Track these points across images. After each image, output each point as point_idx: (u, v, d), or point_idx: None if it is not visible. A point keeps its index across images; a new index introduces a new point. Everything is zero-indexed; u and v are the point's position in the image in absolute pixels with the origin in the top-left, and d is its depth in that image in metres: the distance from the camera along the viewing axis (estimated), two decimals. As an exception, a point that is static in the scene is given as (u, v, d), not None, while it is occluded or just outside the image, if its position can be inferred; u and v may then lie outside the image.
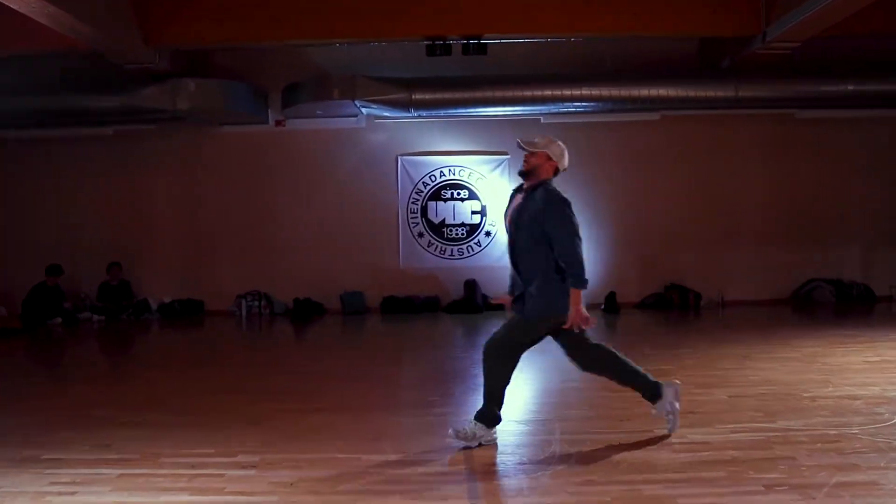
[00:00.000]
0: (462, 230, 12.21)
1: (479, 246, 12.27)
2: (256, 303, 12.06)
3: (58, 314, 11.44)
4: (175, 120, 11.68)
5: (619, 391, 5.86)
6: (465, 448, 4.42)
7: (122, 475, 4.03)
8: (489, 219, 12.21)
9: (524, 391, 6.11)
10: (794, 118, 12.06)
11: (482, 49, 9.99)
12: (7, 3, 7.80)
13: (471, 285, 11.92)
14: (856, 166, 12.26)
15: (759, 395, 5.68)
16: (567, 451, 4.36)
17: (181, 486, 3.84)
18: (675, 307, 11.98)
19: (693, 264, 12.30)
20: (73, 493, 3.76)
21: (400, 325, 10.87)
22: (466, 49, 9.95)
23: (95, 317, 11.74)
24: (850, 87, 11.07)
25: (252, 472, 4.06)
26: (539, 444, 4.56)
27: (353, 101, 10.87)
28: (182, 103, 10.90)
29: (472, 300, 11.76)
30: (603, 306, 11.77)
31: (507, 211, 4.69)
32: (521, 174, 4.67)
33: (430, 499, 3.67)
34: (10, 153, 12.18)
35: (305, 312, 11.88)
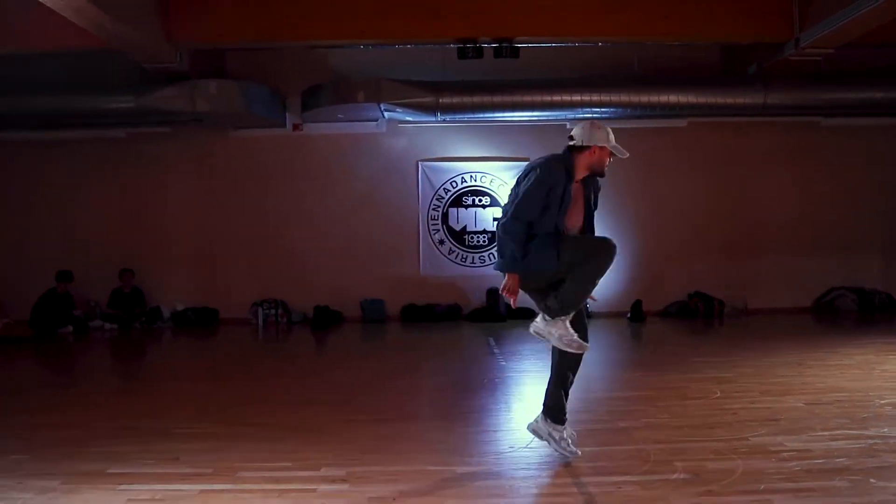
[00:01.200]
0: (484, 237, 12.01)
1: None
2: (273, 311, 11.77)
3: (68, 322, 11.12)
4: (191, 122, 11.43)
5: (695, 397, 5.75)
6: (561, 457, 4.19)
7: (203, 491, 3.75)
8: (511, 226, 12.00)
9: (594, 399, 5.87)
10: (819, 126, 12.00)
11: (514, 52, 9.82)
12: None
13: (493, 294, 11.70)
14: (880, 175, 12.22)
15: (835, 403, 5.50)
16: (666, 460, 4.14)
17: (274, 500, 3.57)
18: (700, 315, 11.84)
19: (716, 272, 12.18)
20: (157, 511, 3.49)
21: (423, 334, 10.65)
22: (499, 52, 9.77)
23: (107, 325, 11.42)
24: (879, 95, 11.01)
25: (345, 486, 3.80)
26: (636, 453, 4.32)
27: (379, 104, 10.66)
28: (202, 105, 10.64)
29: (495, 309, 11.54)
30: (629, 315, 11.60)
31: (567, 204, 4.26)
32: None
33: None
34: (17, 156, 11.84)
35: (324, 321, 11.60)
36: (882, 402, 5.49)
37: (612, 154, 4.35)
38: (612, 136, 4.34)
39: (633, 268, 11.96)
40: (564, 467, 4.12)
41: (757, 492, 3.59)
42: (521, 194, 4.14)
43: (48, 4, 7.77)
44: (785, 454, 4.20)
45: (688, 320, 11.65)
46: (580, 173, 4.30)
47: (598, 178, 4.43)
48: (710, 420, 5.05)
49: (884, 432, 4.62)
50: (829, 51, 10.03)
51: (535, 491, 3.82)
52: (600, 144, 4.28)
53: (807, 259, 12.25)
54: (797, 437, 4.53)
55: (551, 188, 4.12)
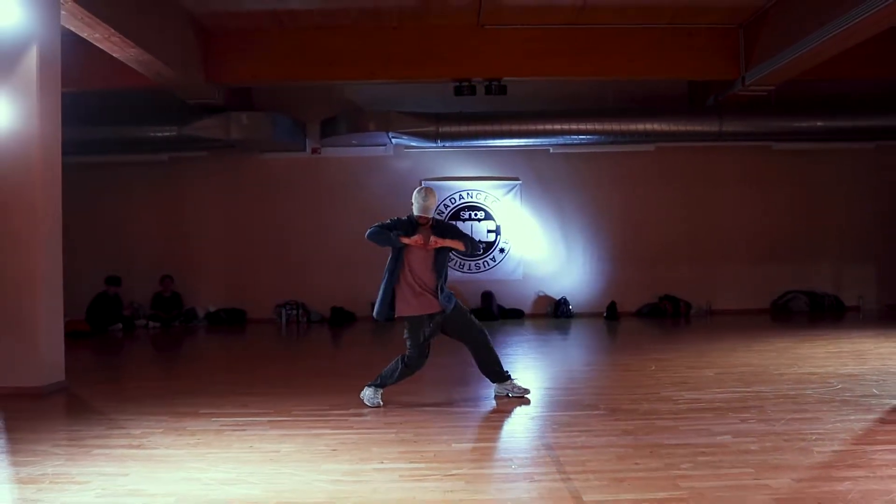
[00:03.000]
0: (479, 247, 13.66)
1: (494, 261, 13.79)
2: (294, 311, 13.49)
3: (118, 320, 12.84)
4: (225, 148, 13.20)
5: (634, 370, 7.44)
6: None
7: (271, 421, 5.45)
8: (503, 237, 13.75)
9: (559, 371, 7.58)
10: (771, 150, 13.77)
11: (502, 90, 11.55)
12: (110, 52, 9.32)
13: (487, 296, 13.42)
14: (827, 191, 13.96)
15: (739, 373, 7.18)
16: (594, 404, 5.83)
17: (321, 425, 5.28)
18: (669, 315, 13.51)
19: (684, 278, 13.87)
20: (244, 429, 5.19)
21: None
22: (489, 90, 11.51)
23: (151, 324, 13.14)
24: (820, 123, 12.76)
25: (368, 416, 5.52)
26: (574, 402, 6.03)
27: (387, 132, 12.43)
28: (235, 133, 12.44)
29: (489, 310, 13.24)
30: (605, 314, 13.30)
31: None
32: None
33: (509, 433, 5.14)
34: (76, 177, 13.35)
35: (340, 320, 13.33)
36: (775, 372, 7.17)
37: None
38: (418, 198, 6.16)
39: (609, 273, 13.72)
40: (525, 408, 5.82)
41: (648, 419, 5.28)
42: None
43: (118, 57, 9.54)
44: (680, 402, 5.89)
45: (658, 320, 13.29)
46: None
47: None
48: (637, 383, 6.75)
49: (760, 389, 6.30)
50: (770, 87, 11.73)
51: (497, 417, 5.50)
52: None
53: (764, 266, 13.95)
54: (694, 392, 6.22)
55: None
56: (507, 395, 6.13)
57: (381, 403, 5.88)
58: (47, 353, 6.87)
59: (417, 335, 5.95)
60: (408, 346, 6.02)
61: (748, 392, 6.20)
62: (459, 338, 6.14)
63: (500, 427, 5.28)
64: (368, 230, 6.09)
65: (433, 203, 6.17)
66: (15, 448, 4.78)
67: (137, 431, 5.16)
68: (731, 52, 11.62)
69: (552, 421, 5.32)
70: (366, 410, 5.74)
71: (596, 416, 5.44)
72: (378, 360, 8.92)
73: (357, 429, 5.17)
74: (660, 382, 6.76)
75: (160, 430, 5.18)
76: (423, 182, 13.67)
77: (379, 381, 5.99)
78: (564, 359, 9.11)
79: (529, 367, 8.38)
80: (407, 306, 5.97)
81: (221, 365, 9.01)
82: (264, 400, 6.21)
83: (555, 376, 7.64)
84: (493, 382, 6.23)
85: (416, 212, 6.11)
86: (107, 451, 4.65)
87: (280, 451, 4.59)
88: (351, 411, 5.74)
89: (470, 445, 4.75)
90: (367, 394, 5.95)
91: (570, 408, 5.77)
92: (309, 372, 8.05)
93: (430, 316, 5.97)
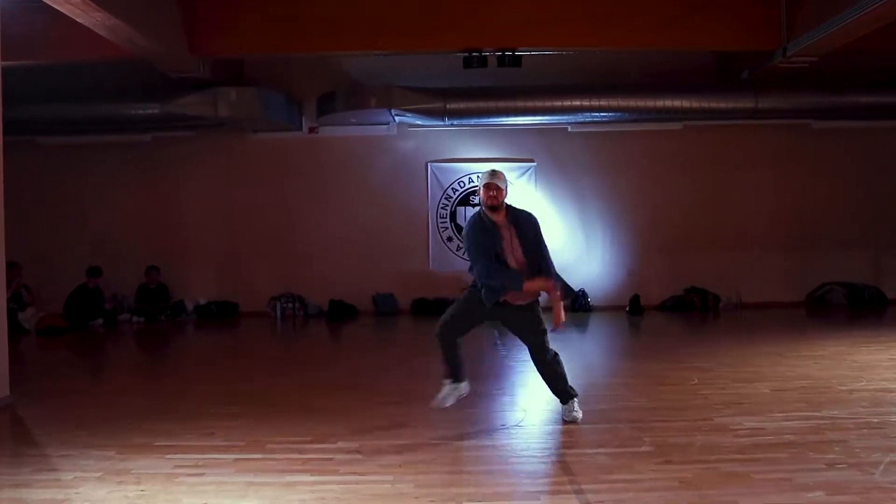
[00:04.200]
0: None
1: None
2: (290, 304, 12.45)
3: (99, 315, 11.83)
4: (213, 127, 12.11)
5: (673, 384, 6.38)
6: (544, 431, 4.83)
7: (238, 459, 4.42)
8: (516, 224, 12.63)
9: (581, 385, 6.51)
10: (809, 128, 12.55)
11: (517, 61, 10.40)
12: (72, 16, 8.22)
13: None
14: (869, 175, 12.74)
15: (799, 389, 6.11)
16: (636, 436, 4.76)
17: (298, 469, 4.23)
18: (696, 309, 12.41)
19: (712, 268, 12.72)
20: (201, 475, 4.15)
21: (433, 326, 11.25)
22: (502, 61, 10.35)
23: (135, 318, 12.12)
24: (864, 100, 11.56)
25: (358, 456, 4.46)
26: (610, 431, 4.96)
27: (390, 109, 11.31)
28: (223, 111, 11.31)
29: (501, 302, 12.15)
30: (628, 308, 12.21)
31: (500, 242, 5.06)
32: (494, 207, 5.10)
33: (530, 477, 4.08)
34: (51, 159, 12.53)
35: (339, 314, 12.28)
36: (841, 388, 6.10)
37: (491, 188, 5.07)
38: (486, 177, 5.14)
39: (632, 263, 12.63)
40: (550, 440, 4.76)
41: (708, 461, 4.21)
42: None
43: (83, 22, 8.43)
44: (741, 432, 4.82)
45: (684, 314, 12.20)
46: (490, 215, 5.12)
47: (528, 222, 5.23)
48: (682, 403, 5.68)
49: (833, 414, 5.23)
50: (814, 58, 10.56)
51: (520, 459, 4.45)
52: (481, 186, 5.15)
53: (799, 255, 12.78)
54: (755, 418, 5.15)
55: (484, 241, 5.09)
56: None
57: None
58: (-15, 366, 5.83)
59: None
60: None
61: (820, 419, 5.12)
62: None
63: (523, 474, 4.20)
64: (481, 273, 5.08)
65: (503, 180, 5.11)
66: None
67: (69, 477, 4.14)
68: (771, 19, 10.43)
69: (586, 463, 4.26)
70: (355, 445, 4.67)
71: (642, 455, 4.38)
72: (381, 365, 7.94)
73: (342, 474, 4.13)
74: (709, 403, 5.68)
75: (97, 475, 4.15)
76: (428, 164, 12.62)
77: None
78: (587, 366, 8.00)
79: (530, 375, 7.32)
80: None
81: (198, 373, 7.90)
82: (235, 426, 5.17)
83: (578, 391, 6.50)
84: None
85: (481, 197, 5.12)
86: (20, 509, 3.63)
87: (240, 514, 3.55)
88: (338, 444, 4.70)
89: (486, 505, 3.69)
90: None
91: (607, 442, 4.70)
92: (296, 384, 6.94)
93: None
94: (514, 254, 5.08)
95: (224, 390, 6.60)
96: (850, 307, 12.39)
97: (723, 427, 4.96)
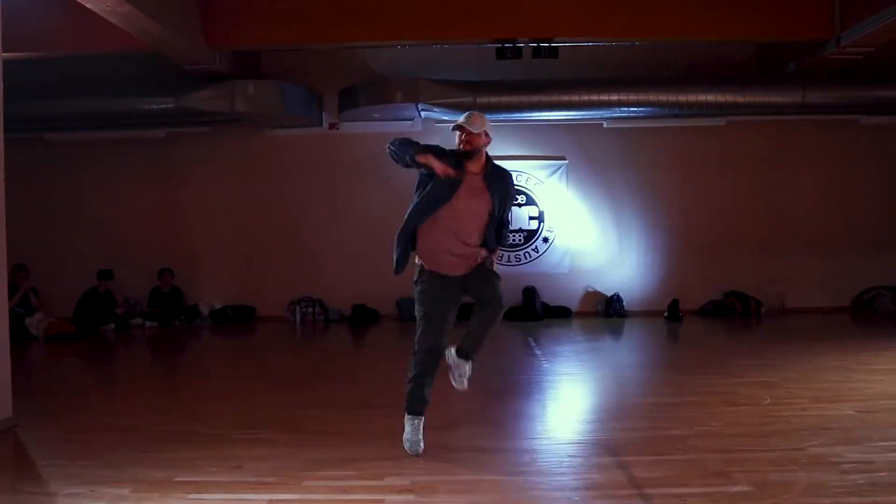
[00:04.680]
0: (519, 236, 12.01)
1: (537, 252, 12.06)
2: (310, 309, 11.86)
3: (110, 320, 11.29)
4: (229, 122, 11.54)
5: (744, 403, 5.76)
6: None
7: (271, 501, 3.82)
8: (547, 224, 12.03)
9: (640, 405, 5.90)
10: (859, 124, 11.89)
11: (553, 52, 9.80)
12: (82, 2, 7.67)
13: (529, 292, 11.73)
14: (920, 173, 12.07)
15: (888, 410, 5.47)
16: (725, 470, 4.14)
17: (344, 512, 3.64)
18: (738, 314, 11.77)
19: (753, 271, 12.10)
20: (231, 519, 3.56)
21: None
22: (538, 52, 9.76)
23: (148, 323, 11.57)
24: (921, 93, 10.89)
25: (411, 496, 3.85)
26: (693, 463, 4.33)
27: (416, 104, 10.70)
28: (240, 105, 10.76)
29: (532, 307, 11.55)
30: (666, 314, 11.56)
31: (453, 189, 4.40)
32: (467, 154, 4.41)
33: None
34: (59, 156, 12.00)
35: (362, 319, 11.68)
36: (939, 409, 5.47)
37: (464, 131, 4.39)
38: (460, 119, 4.46)
39: (670, 266, 12.04)
40: (625, 477, 4.14)
41: (822, 505, 3.60)
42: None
43: (93, 8, 7.89)
44: (846, 466, 4.19)
45: (724, 319, 11.60)
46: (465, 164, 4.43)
47: (505, 182, 4.57)
48: (764, 428, 5.05)
49: (948, 443, 4.60)
50: (870, 49, 9.90)
51: (601, 500, 3.84)
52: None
53: (844, 258, 12.14)
54: (856, 448, 4.51)
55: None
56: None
57: None
58: (-15, 384, 5.24)
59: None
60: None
61: (934, 449, 4.48)
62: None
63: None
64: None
65: (483, 123, 4.42)
66: None
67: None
68: (823, 6, 9.80)
69: (677, 506, 3.64)
70: (406, 483, 4.06)
71: (740, 498, 3.75)
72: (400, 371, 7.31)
73: (398, 522, 3.52)
74: (792, 427, 5.04)
75: (110, 522, 3.55)
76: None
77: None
78: (641, 381, 7.38)
79: (586, 388, 6.74)
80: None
81: (218, 387, 7.25)
82: (266, 456, 4.56)
83: (640, 412, 5.85)
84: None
85: (466, 144, 4.44)
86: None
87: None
88: (386, 482, 4.08)
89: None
90: None
91: (693, 478, 4.07)
92: (325, 401, 6.31)
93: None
94: (473, 211, 4.45)
95: (247, 409, 5.99)
96: (900, 313, 11.77)
97: (822, 459, 4.33)
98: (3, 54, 5.75)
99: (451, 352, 4.54)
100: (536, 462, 4.46)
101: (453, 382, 4.54)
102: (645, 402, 6.12)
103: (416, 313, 4.61)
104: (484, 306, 4.45)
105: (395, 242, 4.50)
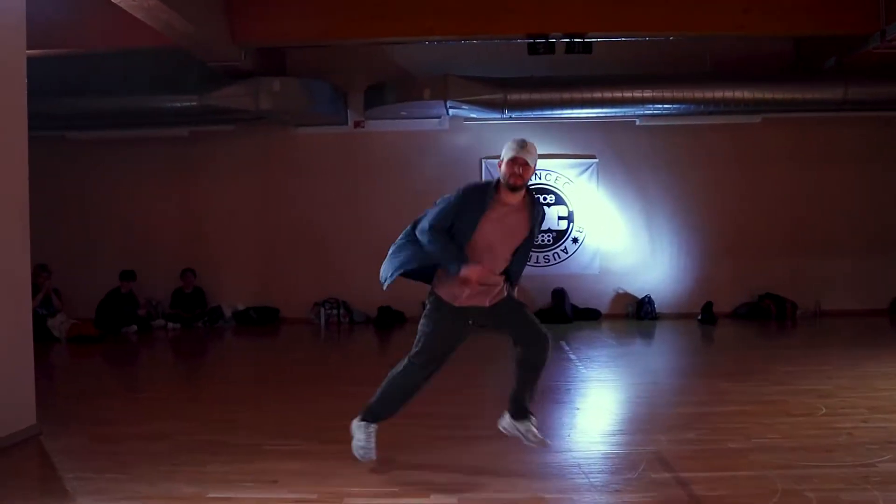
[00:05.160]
0: (548, 236, 11.74)
1: (566, 253, 11.80)
2: (335, 311, 11.65)
3: (132, 321, 11.13)
4: (253, 121, 11.37)
5: (799, 414, 5.48)
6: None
7: (311, 522, 3.59)
8: (577, 224, 11.77)
9: (687, 414, 5.62)
10: (900, 121, 11.54)
11: (587, 48, 9.53)
12: (108, -2, 7.50)
13: (559, 294, 11.46)
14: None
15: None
16: (795, 489, 3.86)
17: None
18: (773, 317, 11.45)
19: (788, 273, 11.79)
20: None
21: (490, 335, 10.43)
22: (571, 48, 9.49)
23: (170, 324, 11.41)
24: (966, 88, 10.52)
25: (463, 514, 3.61)
26: (758, 480, 4.05)
27: (445, 101, 10.46)
28: (265, 103, 10.58)
29: (561, 309, 11.28)
30: (699, 317, 11.26)
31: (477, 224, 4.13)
32: (517, 188, 4.12)
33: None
34: (81, 155, 11.87)
35: (388, 320, 11.46)
36: None
37: (519, 163, 4.07)
38: (513, 148, 4.12)
39: (703, 268, 11.79)
40: (686, 495, 3.87)
41: (908, 531, 3.32)
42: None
43: (119, 3, 7.71)
44: (927, 486, 3.91)
45: (759, 322, 11.31)
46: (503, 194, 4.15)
47: (538, 203, 4.32)
48: (825, 441, 4.75)
49: None
50: (918, 43, 9.57)
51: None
52: (505, 159, 4.12)
53: (882, 260, 11.81)
54: (940, 469, 4.22)
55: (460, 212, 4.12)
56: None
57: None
58: (10, 393, 5.03)
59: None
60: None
61: None
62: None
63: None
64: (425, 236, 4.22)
65: (534, 155, 4.14)
66: None
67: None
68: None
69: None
70: (454, 501, 3.80)
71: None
72: (450, 387, 7.06)
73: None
74: (857, 441, 4.74)
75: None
76: (483, 161, 11.74)
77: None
78: (683, 389, 7.08)
79: (625, 395, 6.46)
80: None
81: (246, 393, 7.03)
82: (301, 469, 4.34)
83: (687, 421, 5.51)
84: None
85: (503, 172, 4.12)
86: None
87: None
88: (432, 499, 3.84)
89: None
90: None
91: (760, 499, 3.78)
92: (357, 408, 6.07)
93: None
94: (504, 243, 4.19)
95: (277, 417, 5.76)
96: (941, 315, 11.44)
97: (888, 475, 4.04)
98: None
99: (506, 420, 4.38)
100: (587, 475, 4.19)
101: (528, 444, 4.34)
102: (690, 411, 5.81)
103: (423, 327, 4.34)
104: (528, 344, 4.22)
105: (433, 241, 4.16)
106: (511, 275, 4.33)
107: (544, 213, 4.47)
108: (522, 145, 4.10)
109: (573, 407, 6.33)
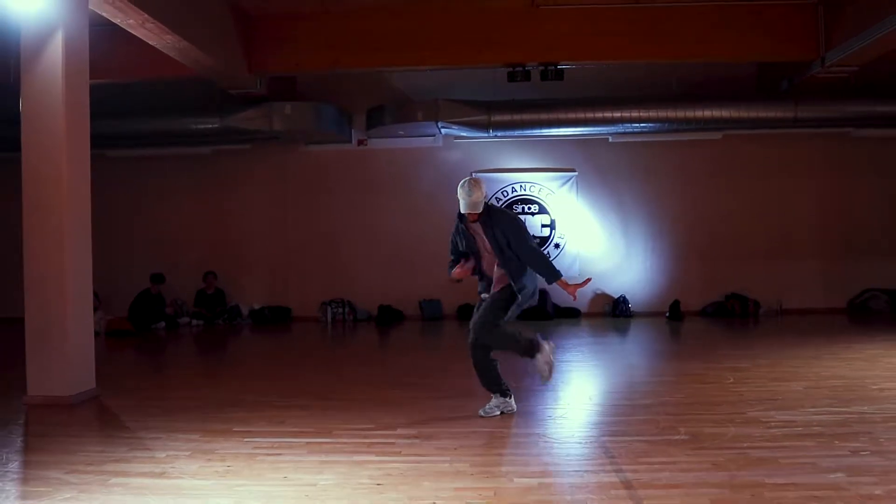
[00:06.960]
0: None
1: (549, 257, 13.02)
2: (341, 309, 12.98)
3: (161, 319, 12.48)
4: (268, 140, 12.73)
5: (711, 382, 6.72)
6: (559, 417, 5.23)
7: (309, 443, 4.89)
8: (558, 232, 13.04)
9: (623, 382, 6.89)
10: (850, 137, 12.73)
11: (559, 74, 10.80)
12: (146, 40, 8.87)
13: (541, 295, 12.70)
14: (910, 181, 12.86)
15: (832, 387, 6.40)
16: (673, 426, 5.13)
17: (364, 451, 4.68)
18: (737, 315, 12.64)
19: (752, 275, 12.96)
20: (278, 454, 4.62)
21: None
22: (545, 75, 10.77)
23: (194, 322, 12.77)
24: (905, 107, 11.71)
25: (417, 440, 4.91)
26: (649, 421, 5.33)
27: (437, 122, 11.80)
28: (278, 124, 11.94)
29: (543, 308, 12.53)
30: (668, 314, 12.49)
31: (470, 240, 5.64)
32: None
33: (574, 458, 4.49)
34: (118, 170, 13.19)
35: (388, 318, 12.77)
36: (874, 387, 6.37)
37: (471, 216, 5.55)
38: (461, 201, 5.50)
39: (672, 270, 12.94)
40: (592, 429, 5.16)
41: (740, 448, 4.56)
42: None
43: (155, 45, 9.09)
44: (772, 424, 5.15)
45: (724, 320, 12.44)
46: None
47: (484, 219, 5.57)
48: (716, 399, 6.02)
49: (863, 409, 5.52)
50: (854, 68, 10.75)
51: (565, 444, 4.85)
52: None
53: (840, 262, 12.99)
54: (786, 412, 5.47)
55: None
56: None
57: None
58: (76, 360, 6.40)
59: None
60: None
61: (849, 413, 5.42)
62: None
63: (567, 456, 4.60)
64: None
65: (480, 196, 5.43)
66: (27, 474, 4.30)
67: (162, 455, 4.64)
68: (809, 30, 10.68)
69: (627, 449, 4.63)
70: (414, 432, 5.12)
71: (677, 442, 4.75)
72: (435, 365, 8.42)
73: (405, 455, 4.57)
74: (743, 399, 6.01)
75: (187, 453, 4.65)
76: (473, 174, 13.01)
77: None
78: (628, 366, 8.40)
79: (589, 374, 7.74)
80: None
81: (261, 371, 8.47)
82: (303, 416, 5.66)
83: (620, 388, 6.95)
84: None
85: (462, 209, 5.47)
86: (125, 480, 4.13)
87: (317, 485, 4.01)
88: (398, 431, 5.14)
89: (535, 481, 4.08)
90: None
91: (645, 431, 5.07)
92: (353, 380, 7.46)
93: None
94: (485, 247, 5.61)
95: (288, 386, 7.10)
96: (893, 313, 12.54)
97: (755, 420, 5.29)
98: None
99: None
100: (520, 421, 5.48)
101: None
102: (628, 381, 7.11)
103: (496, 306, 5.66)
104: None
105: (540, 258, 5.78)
106: (511, 273, 5.60)
107: (502, 219, 5.65)
108: (469, 197, 5.41)
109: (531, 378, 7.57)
